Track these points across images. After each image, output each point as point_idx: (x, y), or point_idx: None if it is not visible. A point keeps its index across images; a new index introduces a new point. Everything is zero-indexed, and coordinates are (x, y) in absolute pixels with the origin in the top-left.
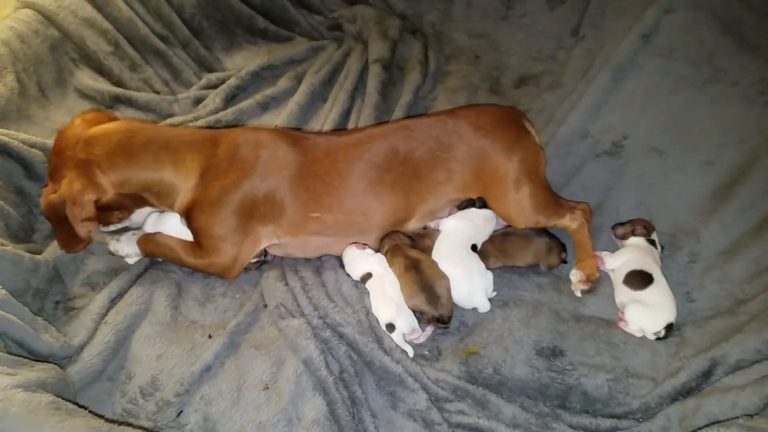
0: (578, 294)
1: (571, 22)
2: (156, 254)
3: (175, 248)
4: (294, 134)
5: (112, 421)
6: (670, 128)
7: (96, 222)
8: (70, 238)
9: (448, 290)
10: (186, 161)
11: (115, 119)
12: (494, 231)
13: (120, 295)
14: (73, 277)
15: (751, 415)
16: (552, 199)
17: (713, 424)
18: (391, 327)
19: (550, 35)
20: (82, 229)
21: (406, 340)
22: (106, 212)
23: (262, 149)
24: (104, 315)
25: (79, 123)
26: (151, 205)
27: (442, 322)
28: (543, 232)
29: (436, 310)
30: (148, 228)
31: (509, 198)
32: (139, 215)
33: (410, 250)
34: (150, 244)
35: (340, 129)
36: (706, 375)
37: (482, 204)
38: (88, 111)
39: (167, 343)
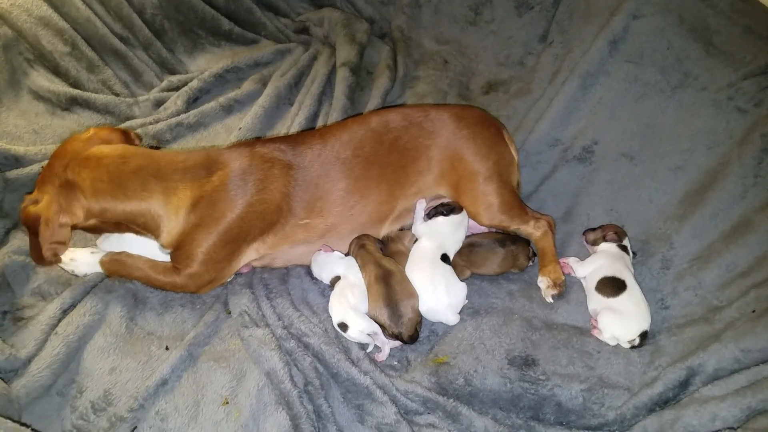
0: (549, 300)
1: (540, 28)
2: (122, 275)
3: (144, 269)
4: (287, 145)
5: None
6: (639, 134)
7: (66, 245)
8: (39, 254)
9: (414, 310)
10: (178, 190)
11: (129, 140)
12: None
13: (73, 305)
14: (22, 286)
15: (734, 428)
16: (518, 204)
17: None
18: (343, 326)
19: (518, 41)
20: (47, 251)
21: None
22: (87, 231)
23: (258, 171)
24: (55, 326)
25: (87, 138)
26: (134, 232)
27: (402, 340)
28: (506, 240)
29: (396, 327)
30: (110, 245)
31: (478, 193)
32: None
33: (384, 259)
34: (115, 264)
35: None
36: (684, 385)
37: (450, 210)
38: (103, 127)
39: (121, 356)
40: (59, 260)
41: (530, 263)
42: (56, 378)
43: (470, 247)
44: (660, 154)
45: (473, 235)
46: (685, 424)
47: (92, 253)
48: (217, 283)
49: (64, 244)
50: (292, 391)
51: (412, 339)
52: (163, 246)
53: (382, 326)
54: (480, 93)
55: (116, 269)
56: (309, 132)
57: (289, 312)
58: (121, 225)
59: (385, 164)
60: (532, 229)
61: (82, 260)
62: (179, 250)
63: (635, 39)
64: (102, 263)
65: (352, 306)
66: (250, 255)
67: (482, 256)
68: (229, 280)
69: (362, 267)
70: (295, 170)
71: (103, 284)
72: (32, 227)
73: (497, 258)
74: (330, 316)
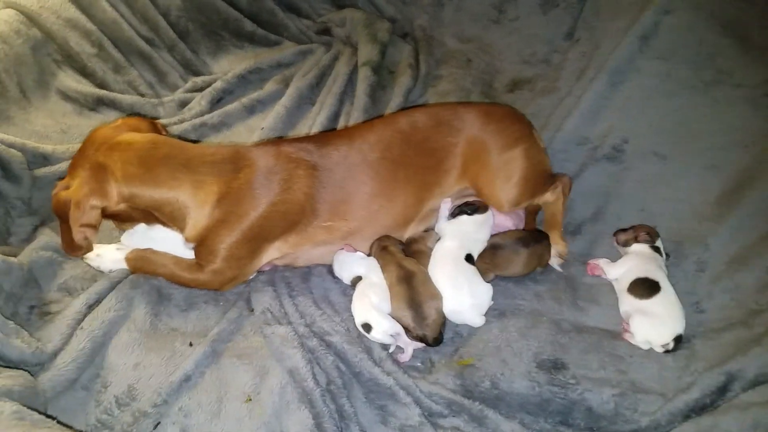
0: (556, 267)
1: (565, 25)
2: (146, 271)
3: (168, 265)
4: (314, 145)
5: None
6: (671, 132)
7: (96, 230)
8: (70, 241)
9: (437, 311)
10: (205, 184)
11: (157, 130)
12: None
13: (98, 301)
14: (49, 281)
15: None
16: (540, 180)
17: None
18: (367, 327)
19: (543, 39)
20: (78, 234)
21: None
22: (115, 220)
23: (284, 172)
24: (80, 321)
25: (116, 126)
26: (160, 222)
27: (426, 343)
28: (529, 239)
29: (420, 329)
30: (134, 242)
31: (499, 181)
32: None
33: (405, 260)
34: (140, 260)
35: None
36: (722, 390)
37: (474, 210)
38: (132, 116)
39: (146, 351)
40: (90, 247)
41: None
42: (81, 372)
43: (493, 248)
44: (693, 153)
45: (495, 235)
46: (723, 431)
47: (118, 249)
48: (239, 281)
49: (94, 227)
50: (314, 389)
51: (437, 341)
52: (187, 240)
53: (405, 328)
54: (504, 91)
55: (141, 265)
56: (335, 132)
57: (311, 310)
58: (149, 214)
59: (413, 166)
60: (548, 196)
61: (108, 256)
62: (202, 245)
63: (666, 35)
64: (127, 259)
65: (374, 306)
66: (272, 254)
67: (506, 258)
68: (251, 277)
69: (383, 268)
70: (320, 171)
71: (128, 280)
72: (63, 213)
73: (521, 259)
74: (352, 316)
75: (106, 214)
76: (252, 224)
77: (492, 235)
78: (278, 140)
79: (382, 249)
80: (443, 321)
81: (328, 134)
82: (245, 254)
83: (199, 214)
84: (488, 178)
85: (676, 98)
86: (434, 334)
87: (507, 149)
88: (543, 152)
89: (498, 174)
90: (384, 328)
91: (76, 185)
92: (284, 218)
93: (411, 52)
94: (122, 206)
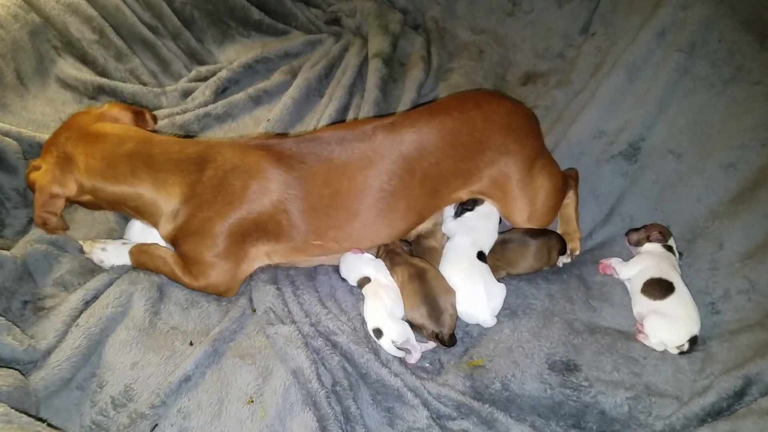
0: (560, 264)
1: (581, 20)
2: (149, 267)
3: (170, 264)
4: (289, 158)
5: None
6: (688, 130)
7: (57, 216)
8: (35, 219)
9: (453, 306)
10: (167, 183)
11: (142, 120)
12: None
13: (95, 297)
14: (44, 275)
15: None
16: (561, 198)
17: None
18: (378, 332)
19: (558, 33)
20: (37, 219)
21: (398, 348)
22: (85, 207)
23: (251, 180)
24: (76, 317)
25: (97, 113)
26: (132, 215)
27: (441, 341)
28: (536, 232)
29: (437, 326)
30: (138, 237)
31: (523, 204)
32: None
33: (413, 259)
34: (144, 255)
35: (337, 125)
36: (739, 395)
37: (473, 203)
38: (117, 104)
39: (144, 350)
40: (59, 226)
41: (566, 258)
42: (76, 371)
43: (502, 244)
44: (709, 151)
45: (502, 232)
46: None
47: (123, 243)
48: (236, 284)
49: (54, 215)
50: (319, 391)
51: (452, 342)
52: (163, 238)
53: (420, 327)
54: (517, 84)
55: (144, 260)
56: (325, 144)
57: (316, 309)
58: (117, 206)
59: (417, 196)
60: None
61: (113, 250)
62: (177, 248)
63: (684, 30)
64: (131, 253)
65: (388, 310)
66: (263, 259)
67: (516, 251)
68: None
69: (392, 270)
70: (297, 190)
71: (127, 276)
72: (32, 191)
73: (531, 251)
74: (359, 315)
75: (72, 201)
76: (219, 230)
77: (500, 232)
78: (264, 140)
79: (389, 251)
80: (457, 317)
81: (318, 147)
82: (224, 259)
83: (167, 213)
84: (512, 205)
85: (693, 95)
86: (450, 330)
87: (528, 170)
88: (551, 156)
89: (522, 200)
90: (395, 335)
91: (42, 170)
92: (258, 227)
93: (423, 44)
94: (87, 197)
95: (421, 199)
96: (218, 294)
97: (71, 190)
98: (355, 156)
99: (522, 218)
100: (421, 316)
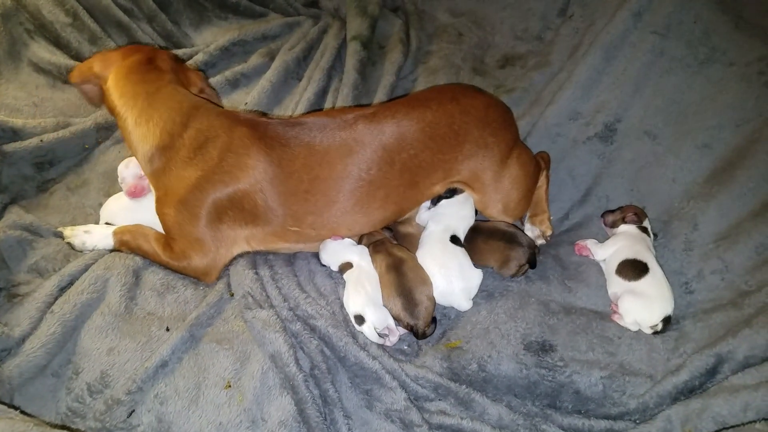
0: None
1: (559, 1)
2: (131, 246)
3: (151, 241)
4: (272, 138)
5: (47, 424)
6: (663, 110)
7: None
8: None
9: (429, 298)
10: (150, 121)
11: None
12: None
13: (71, 283)
14: (19, 262)
15: None
16: (534, 185)
17: (724, 429)
18: (360, 319)
19: (536, 14)
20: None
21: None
22: None
23: (229, 153)
24: (51, 304)
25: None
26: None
27: (415, 334)
28: (512, 238)
29: (412, 318)
30: (121, 220)
31: (499, 195)
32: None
33: (394, 247)
34: (127, 234)
35: (317, 111)
36: (711, 373)
37: (452, 193)
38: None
39: (120, 336)
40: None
41: (540, 240)
42: (51, 358)
43: (473, 231)
44: (685, 132)
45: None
46: (713, 413)
47: (106, 224)
48: (217, 267)
49: (88, 73)
50: (297, 374)
51: (425, 335)
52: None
53: (395, 317)
54: (496, 66)
55: (127, 240)
56: (307, 130)
57: (295, 293)
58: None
59: (396, 186)
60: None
61: (96, 231)
62: (160, 215)
63: (661, 11)
64: (114, 233)
65: (370, 297)
66: (241, 244)
67: (478, 245)
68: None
69: (373, 257)
70: (276, 170)
71: (103, 262)
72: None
73: (490, 248)
74: (338, 299)
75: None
76: (192, 196)
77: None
78: (254, 117)
79: (371, 238)
80: (434, 309)
81: (301, 131)
82: (204, 231)
83: (142, 152)
84: (489, 196)
85: (669, 76)
86: (425, 323)
87: (504, 163)
88: (525, 145)
89: (498, 192)
90: (376, 320)
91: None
92: (233, 204)
93: (402, 27)
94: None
95: (399, 190)
96: (197, 277)
97: (101, 72)
98: (336, 144)
99: (497, 209)
100: (396, 308)
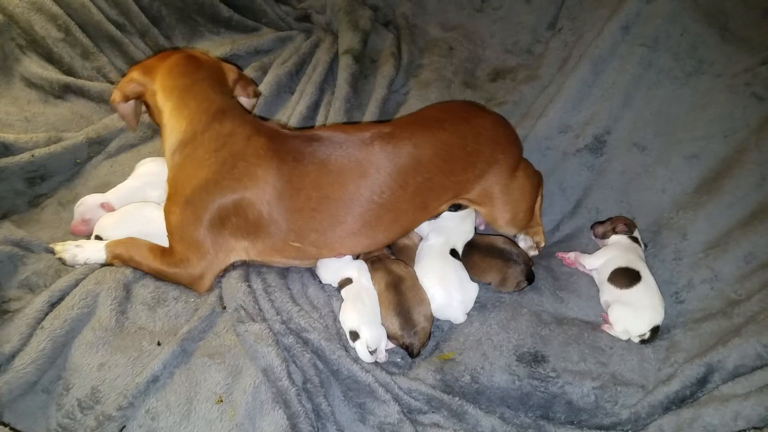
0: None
1: (549, 15)
2: (123, 258)
3: (145, 251)
4: (287, 152)
5: None
6: (652, 122)
7: (128, 100)
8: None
9: (426, 318)
10: (181, 114)
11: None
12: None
13: (61, 299)
14: (9, 278)
15: (759, 428)
16: (537, 196)
17: None
18: (354, 335)
19: (526, 27)
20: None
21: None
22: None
23: (242, 160)
24: (41, 319)
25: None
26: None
27: (410, 354)
28: (507, 255)
29: (408, 337)
30: (114, 233)
31: (507, 208)
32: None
33: (393, 264)
34: (120, 247)
35: (337, 125)
36: (702, 382)
37: (457, 207)
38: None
39: (111, 351)
40: (123, 115)
41: (533, 251)
42: (41, 374)
43: (470, 246)
44: (673, 143)
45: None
46: (704, 423)
47: (97, 237)
48: (211, 275)
49: (126, 97)
50: (290, 388)
51: (418, 354)
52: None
53: (393, 336)
54: (487, 80)
55: (120, 252)
56: (324, 147)
57: (288, 306)
58: (157, 116)
59: (404, 210)
60: None
61: (88, 246)
62: (166, 212)
63: (648, 24)
64: (107, 246)
65: (369, 313)
66: (239, 252)
67: (476, 261)
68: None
69: (373, 274)
70: (284, 185)
71: (93, 276)
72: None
73: (487, 266)
74: (331, 311)
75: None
76: (203, 193)
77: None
78: (276, 128)
79: (370, 256)
80: (430, 329)
81: (311, 148)
82: (206, 233)
83: (170, 144)
84: (497, 210)
85: (657, 88)
86: (421, 343)
87: (512, 176)
88: (527, 160)
89: (506, 205)
90: (371, 340)
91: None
92: (237, 212)
93: (393, 41)
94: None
95: (408, 213)
96: (191, 284)
97: (142, 78)
98: (351, 164)
99: (504, 220)
100: (393, 327)
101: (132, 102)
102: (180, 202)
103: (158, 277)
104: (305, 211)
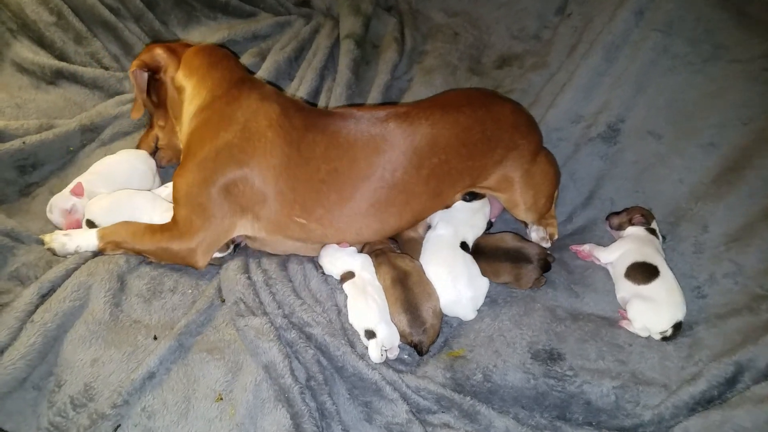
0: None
1: (557, 0)
2: (117, 241)
3: (138, 228)
4: (299, 119)
5: None
6: (666, 109)
7: (147, 70)
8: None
9: (435, 314)
10: (203, 85)
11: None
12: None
13: (52, 290)
14: None
15: None
16: (557, 184)
17: None
18: (370, 334)
19: (533, 13)
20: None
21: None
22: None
23: (253, 122)
24: (31, 313)
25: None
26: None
27: (419, 352)
28: (516, 256)
29: (417, 335)
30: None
31: (528, 195)
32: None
33: (398, 258)
34: (111, 230)
35: (349, 106)
36: (731, 382)
37: (472, 197)
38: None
39: (105, 346)
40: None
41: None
42: (32, 370)
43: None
44: (689, 131)
45: (495, 232)
46: (735, 426)
47: (88, 221)
48: (208, 246)
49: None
50: (292, 386)
51: (427, 351)
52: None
53: (401, 334)
54: (493, 67)
55: (112, 237)
56: (337, 120)
57: (289, 299)
58: (179, 91)
59: (418, 193)
60: None
61: (78, 234)
62: (177, 175)
63: (661, 9)
64: (98, 231)
65: (383, 311)
66: (244, 225)
67: (485, 263)
68: (225, 255)
69: (377, 269)
70: (293, 152)
71: (85, 267)
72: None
73: (497, 269)
74: (334, 305)
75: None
76: (206, 157)
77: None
78: (292, 99)
79: (374, 248)
80: (440, 325)
81: (333, 121)
82: (212, 198)
83: (188, 112)
84: (517, 197)
85: (672, 75)
86: (431, 341)
87: (534, 161)
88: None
89: (527, 192)
90: (386, 338)
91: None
92: (245, 177)
93: (396, 26)
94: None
95: (422, 198)
96: (188, 255)
97: (166, 57)
98: (364, 139)
99: (526, 205)
100: (401, 324)
101: (146, 75)
102: (190, 165)
103: (154, 257)
104: (313, 182)
